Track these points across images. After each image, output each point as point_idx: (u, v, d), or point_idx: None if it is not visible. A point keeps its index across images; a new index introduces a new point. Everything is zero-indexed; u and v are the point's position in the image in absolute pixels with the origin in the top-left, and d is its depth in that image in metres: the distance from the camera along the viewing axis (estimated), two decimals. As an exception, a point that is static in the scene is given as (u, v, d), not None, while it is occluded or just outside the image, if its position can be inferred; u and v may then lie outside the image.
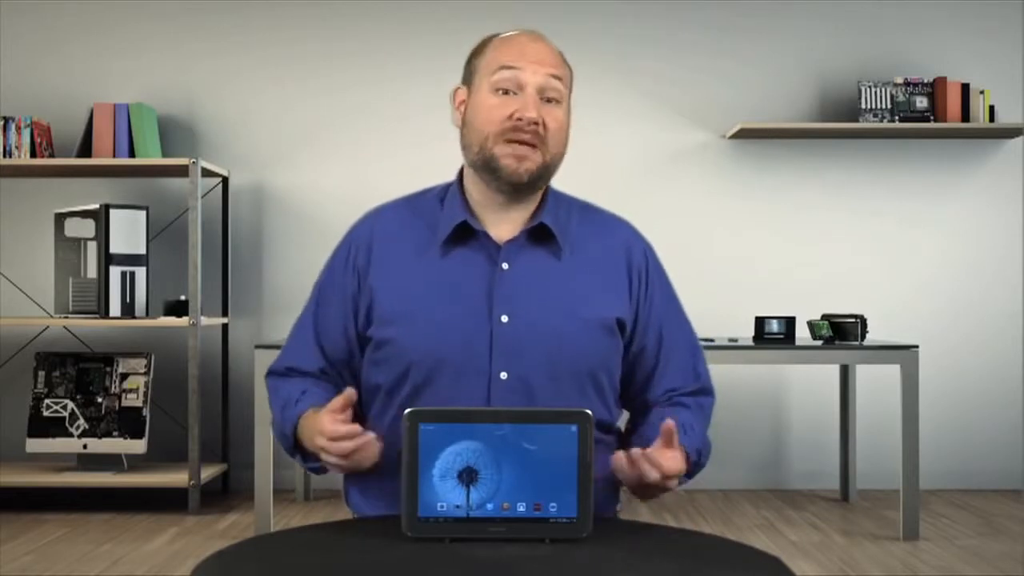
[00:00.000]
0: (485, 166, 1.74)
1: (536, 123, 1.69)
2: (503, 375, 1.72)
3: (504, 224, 1.78)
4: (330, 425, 1.60)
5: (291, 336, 1.88)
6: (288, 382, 1.83)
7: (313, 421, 1.67)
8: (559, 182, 1.86)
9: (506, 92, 1.71)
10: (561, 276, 1.77)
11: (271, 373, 1.88)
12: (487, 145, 1.72)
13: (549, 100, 1.72)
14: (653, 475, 1.58)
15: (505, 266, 1.75)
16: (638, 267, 1.82)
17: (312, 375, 1.83)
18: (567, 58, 1.81)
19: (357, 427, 1.60)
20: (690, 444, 1.72)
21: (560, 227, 1.79)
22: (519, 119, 1.69)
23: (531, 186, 1.75)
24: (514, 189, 1.74)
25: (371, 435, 1.62)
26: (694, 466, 1.74)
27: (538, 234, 1.78)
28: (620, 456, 1.61)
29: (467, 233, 1.77)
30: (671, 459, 1.59)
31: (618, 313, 1.79)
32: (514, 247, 1.77)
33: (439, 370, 1.72)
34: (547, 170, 1.75)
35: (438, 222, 1.78)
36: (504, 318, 1.73)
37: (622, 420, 1.90)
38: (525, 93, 1.70)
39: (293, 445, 1.78)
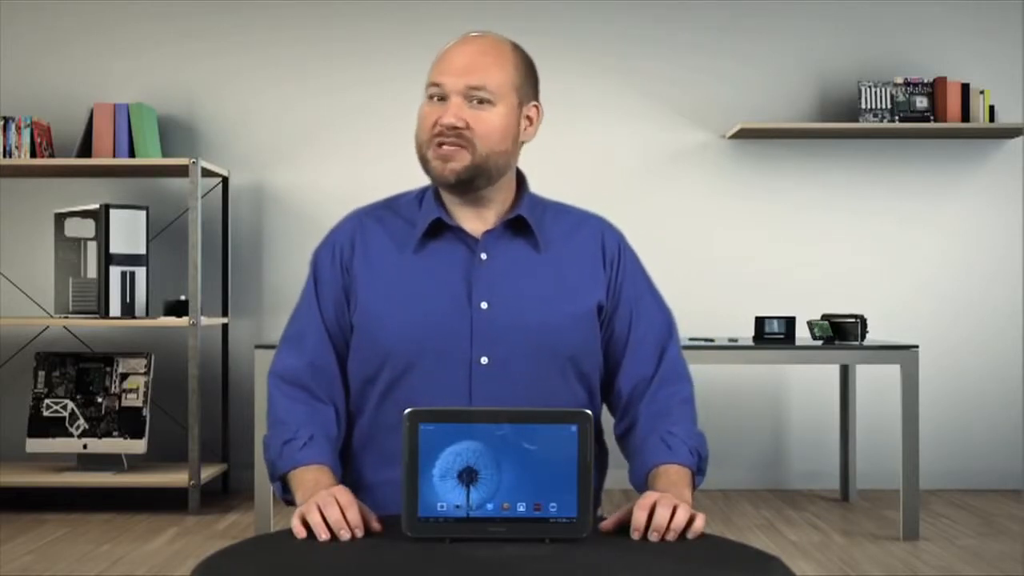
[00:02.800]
0: (424, 169, 1.81)
1: (456, 127, 1.74)
2: (483, 360, 1.75)
3: (478, 222, 1.82)
4: (351, 513, 1.53)
5: (293, 337, 1.86)
6: (295, 406, 1.80)
7: (328, 483, 1.65)
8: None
9: (440, 100, 1.77)
10: (539, 265, 1.81)
11: (282, 379, 1.83)
12: (422, 151, 1.79)
13: (481, 102, 1.75)
14: (655, 537, 1.53)
15: (484, 256, 1.80)
16: (611, 255, 1.87)
17: (317, 388, 1.81)
18: (529, 54, 1.85)
19: (361, 527, 1.53)
20: (679, 456, 1.72)
21: (536, 221, 1.83)
22: (441, 125, 1.75)
23: (465, 185, 1.78)
24: (450, 190, 1.80)
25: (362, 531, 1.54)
26: (697, 467, 1.74)
27: (515, 228, 1.83)
28: (608, 526, 1.57)
29: (445, 228, 1.81)
30: (661, 516, 1.52)
31: (597, 298, 1.83)
32: (492, 238, 1.81)
33: (419, 357, 1.76)
34: (480, 169, 1.77)
35: (417, 219, 1.83)
36: (484, 305, 1.77)
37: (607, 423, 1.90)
38: (449, 100, 1.76)
39: (279, 478, 1.75)
